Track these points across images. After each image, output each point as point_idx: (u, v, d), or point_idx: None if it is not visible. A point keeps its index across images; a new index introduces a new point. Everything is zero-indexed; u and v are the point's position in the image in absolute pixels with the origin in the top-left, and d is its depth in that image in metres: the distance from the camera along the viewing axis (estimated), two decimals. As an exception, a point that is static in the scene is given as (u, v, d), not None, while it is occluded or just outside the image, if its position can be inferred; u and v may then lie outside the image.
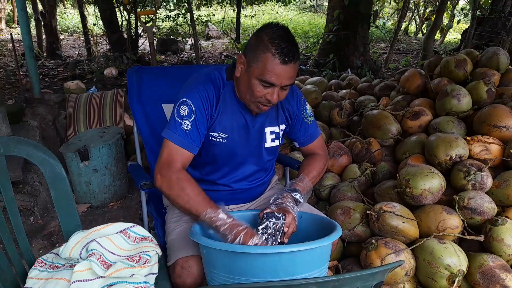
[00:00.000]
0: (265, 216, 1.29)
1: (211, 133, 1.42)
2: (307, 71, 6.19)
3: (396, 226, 1.75)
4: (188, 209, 1.28)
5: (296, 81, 3.59)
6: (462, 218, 1.79)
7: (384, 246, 1.71)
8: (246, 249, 1.04)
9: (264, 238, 1.24)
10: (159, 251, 1.24)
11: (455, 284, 1.63)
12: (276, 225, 1.26)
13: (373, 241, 1.75)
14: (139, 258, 1.13)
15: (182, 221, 1.48)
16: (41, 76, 5.83)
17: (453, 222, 1.77)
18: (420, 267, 1.71)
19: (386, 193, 2.04)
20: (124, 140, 3.37)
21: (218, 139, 1.42)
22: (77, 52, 7.94)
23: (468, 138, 2.07)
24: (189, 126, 1.35)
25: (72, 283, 1.03)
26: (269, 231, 1.26)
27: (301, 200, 1.40)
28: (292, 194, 1.39)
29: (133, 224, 1.29)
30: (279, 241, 1.26)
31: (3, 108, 3.02)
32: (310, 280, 0.66)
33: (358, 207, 1.96)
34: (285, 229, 1.27)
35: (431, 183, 1.84)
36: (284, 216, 1.27)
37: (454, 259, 1.64)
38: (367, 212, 1.85)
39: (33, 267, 1.19)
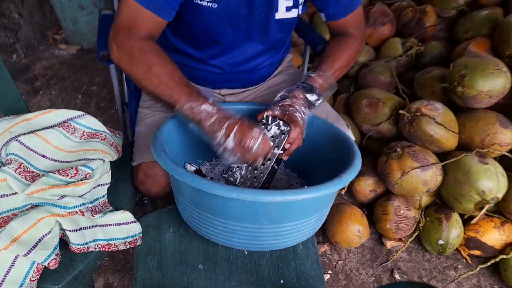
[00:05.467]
0: (263, 121, 0.95)
1: None
2: None
3: (432, 134, 1.40)
4: (159, 96, 0.91)
5: None
6: (519, 133, 1.41)
7: (411, 157, 1.39)
8: (217, 190, 0.72)
9: (266, 133, 0.93)
10: (114, 154, 0.94)
11: (483, 210, 1.36)
12: (277, 138, 0.93)
13: (398, 149, 1.42)
14: (75, 172, 0.82)
15: (156, 106, 1.14)
16: None
17: (506, 137, 1.39)
18: (447, 185, 1.42)
19: (429, 84, 1.60)
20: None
21: (205, 3, 0.96)
22: None
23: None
24: None
25: None
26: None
27: (317, 104, 1.02)
28: (307, 94, 1.01)
29: (82, 113, 0.96)
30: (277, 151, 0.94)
31: None
32: None
33: (389, 100, 1.57)
34: (287, 146, 0.93)
35: (493, 84, 1.38)
36: (289, 128, 0.93)
37: (492, 183, 1.33)
38: (400, 112, 1.47)
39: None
